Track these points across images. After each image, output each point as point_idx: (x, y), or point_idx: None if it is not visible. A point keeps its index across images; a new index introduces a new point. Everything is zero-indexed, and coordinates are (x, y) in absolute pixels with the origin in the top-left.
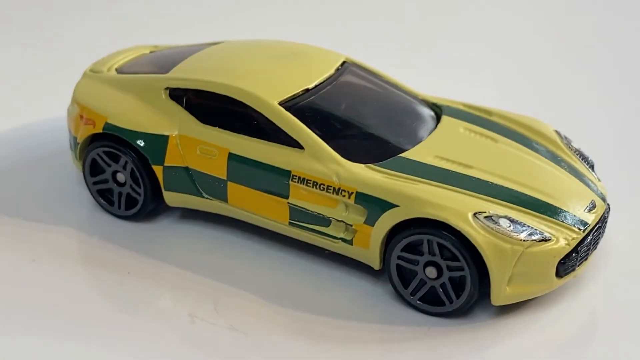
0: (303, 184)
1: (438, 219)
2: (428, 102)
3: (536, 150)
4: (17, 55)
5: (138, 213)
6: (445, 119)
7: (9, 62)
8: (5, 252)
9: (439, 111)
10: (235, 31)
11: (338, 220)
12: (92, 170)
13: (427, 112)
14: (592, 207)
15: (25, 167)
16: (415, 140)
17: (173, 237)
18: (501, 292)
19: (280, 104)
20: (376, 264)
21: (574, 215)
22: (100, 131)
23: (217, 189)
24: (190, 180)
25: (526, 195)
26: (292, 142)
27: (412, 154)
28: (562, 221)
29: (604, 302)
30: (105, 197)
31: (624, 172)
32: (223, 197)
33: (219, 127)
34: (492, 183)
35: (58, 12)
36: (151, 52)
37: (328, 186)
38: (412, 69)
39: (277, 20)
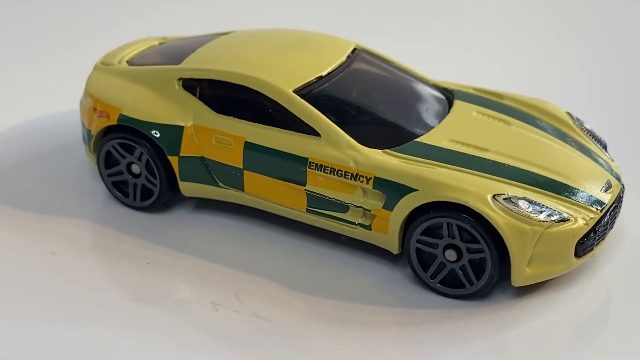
0: (320, 170)
1: (457, 201)
2: (439, 86)
3: (549, 132)
4: (28, 50)
5: (154, 204)
6: (457, 103)
7: (20, 56)
8: (25, 246)
9: (450, 96)
10: (241, 21)
11: (356, 206)
12: (107, 163)
13: (440, 97)
14: (607, 187)
15: (39, 162)
16: (430, 125)
17: (190, 227)
18: (521, 273)
19: (295, 91)
20: (395, 249)
21: (591, 196)
22: (115, 123)
23: (233, 178)
24: (206, 170)
25: (543, 176)
26: (308, 130)
27: (427, 138)
28: (580, 201)
29: (620, 281)
30: (120, 189)
31: (637, 152)
32: (239, 186)
33: (233, 117)
34: (509, 165)
35: (65, 7)
36: (160, 43)
37: (346, 172)
38: (419, 54)
39: (283, 9)
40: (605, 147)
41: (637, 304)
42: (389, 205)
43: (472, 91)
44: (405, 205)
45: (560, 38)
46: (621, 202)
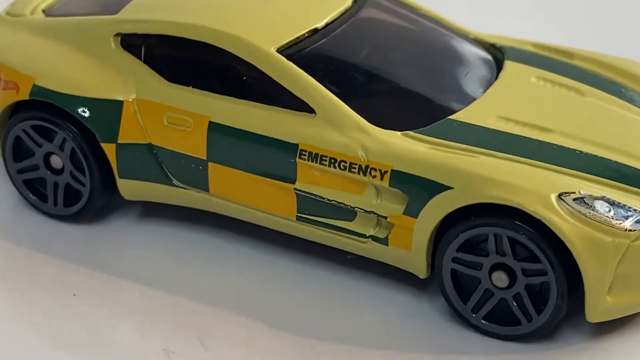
0: (315, 161)
1: (509, 204)
2: (484, 42)
3: (638, 104)
4: None
5: (82, 211)
6: (509, 65)
7: None
8: None
9: (500, 55)
10: None
11: (366, 212)
12: (16, 153)
13: (484, 57)
14: None
15: None
16: (470, 96)
17: (133, 244)
18: (600, 303)
19: (280, 51)
20: (422, 271)
21: None
22: (27, 98)
23: (193, 174)
24: (155, 162)
25: (629, 167)
26: (297, 105)
27: (466, 115)
28: None
29: None
30: (36, 190)
31: None
32: (202, 185)
33: (193, 87)
34: (581, 152)
35: None
36: None
37: (351, 164)
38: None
39: None
40: None
41: None
42: (413, 210)
43: (530, 48)
44: (436, 210)
45: None
46: None
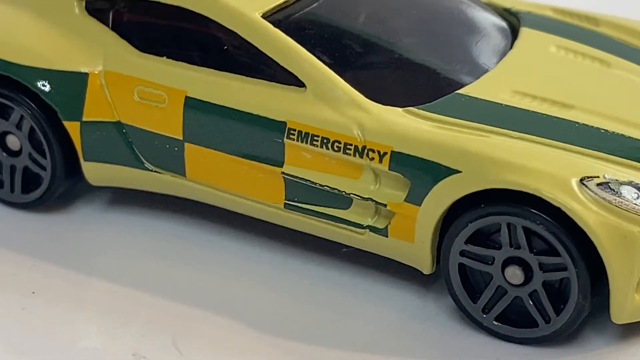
0: (305, 142)
1: (524, 189)
2: (498, 7)
3: None
4: None
5: (43, 198)
6: (526, 32)
7: None
8: None
9: (515, 21)
10: None
11: (363, 199)
12: None
13: (498, 23)
14: None
15: None
16: (482, 68)
17: (101, 236)
18: (627, 302)
19: (265, 17)
20: (426, 266)
21: None
22: None
23: (168, 156)
24: (124, 143)
25: None
26: (285, 78)
27: (476, 89)
28: None
29: None
30: None
31: None
32: (178, 169)
33: (167, 58)
34: (607, 131)
35: None
36: None
37: (346, 144)
38: None
39: None
40: None
41: None
42: (416, 197)
43: (550, 13)
44: (442, 197)
45: None
46: None
